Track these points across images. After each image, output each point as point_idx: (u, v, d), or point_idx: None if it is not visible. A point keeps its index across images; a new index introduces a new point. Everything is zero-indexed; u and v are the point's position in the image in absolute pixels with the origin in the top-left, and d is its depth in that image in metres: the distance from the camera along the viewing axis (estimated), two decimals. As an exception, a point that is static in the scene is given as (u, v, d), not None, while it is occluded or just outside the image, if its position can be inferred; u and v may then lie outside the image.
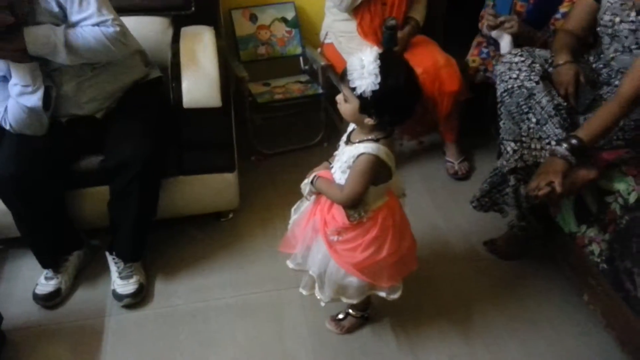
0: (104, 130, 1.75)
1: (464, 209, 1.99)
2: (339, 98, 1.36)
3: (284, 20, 2.46)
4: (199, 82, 1.79)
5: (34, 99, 1.60)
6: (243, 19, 2.42)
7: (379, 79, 1.25)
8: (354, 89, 1.28)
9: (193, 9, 2.11)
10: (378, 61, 1.26)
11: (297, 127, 2.53)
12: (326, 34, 2.38)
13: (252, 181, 2.25)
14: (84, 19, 1.60)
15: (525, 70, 1.66)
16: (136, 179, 1.65)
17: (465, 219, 2.07)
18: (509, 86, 1.67)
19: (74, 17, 1.60)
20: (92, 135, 1.75)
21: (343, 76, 1.32)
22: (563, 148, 1.49)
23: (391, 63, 1.28)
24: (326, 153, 1.52)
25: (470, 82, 2.23)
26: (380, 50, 1.29)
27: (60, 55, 1.57)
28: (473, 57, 2.23)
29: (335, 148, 1.49)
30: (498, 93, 1.72)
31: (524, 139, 1.65)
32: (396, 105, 1.31)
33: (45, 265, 1.76)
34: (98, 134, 1.75)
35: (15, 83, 1.59)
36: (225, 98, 1.85)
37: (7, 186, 1.60)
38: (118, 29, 1.62)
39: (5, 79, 1.63)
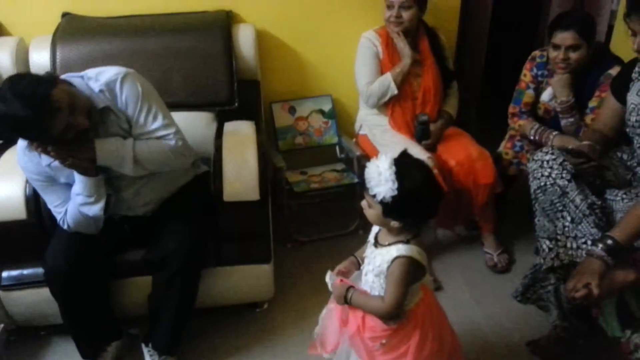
0: (150, 225, 1.83)
1: (505, 304, 1.95)
2: (364, 204, 1.40)
3: (321, 112, 2.58)
4: (240, 177, 1.87)
5: (96, 209, 1.69)
6: (282, 111, 2.56)
7: (396, 185, 1.29)
8: (374, 196, 1.33)
9: (236, 104, 2.26)
10: (393, 167, 1.30)
11: (332, 215, 2.58)
12: (360, 126, 2.47)
13: (288, 269, 2.28)
14: (149, 132, 1.69)
15: (557, 168, 1.67)
16: (178, 272, 1.71)
17: (506, 315, 2.01)
18: (542, 184, 1.68)
19: (139, 130, 1.69)
20: (139, 230, 1.84)
21: (363, 184, 1.37)
22: (599, 248, 1.47)
23: (406, 167, 1.32)
24: (362, 241, 1.54)
25: (503, 173, 2.24)
26: (395, 156, 1.33)
27: (127, 166, 1.66)
28: (506, 149, 2.26)
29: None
30: (531, 190, 1.73)
31: (559, 237, 1.63)
32: (417, 207, 1.34)
33: (84, 355, 1.81)
34: (144, 228, 1.83)
35: (79, 193, 1.67)
36: (263, 189, 1.93)
37: (56, 279, 1.68)
38: (180, 142, 1.72)
39: (69, 184, 1.72)
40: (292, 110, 2.57)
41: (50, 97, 1.46)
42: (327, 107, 2.59)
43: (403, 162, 1.33)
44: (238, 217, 1.90)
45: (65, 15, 2.28)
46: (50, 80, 1.52)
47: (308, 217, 2.55)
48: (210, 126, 2.21)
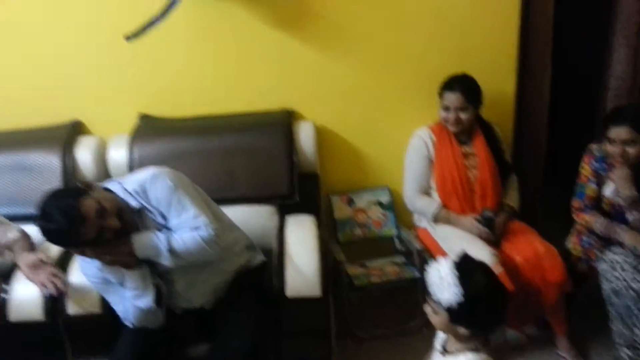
0: (212, 319, 1.86)
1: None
2: (429, 310, 1.37)
3: (379, 203, 2.61)
4: (302, 273, 1.90)
5: (146, 301, 1.75)
6: (341, 203, 2.60)
7: (460, 290, 1.26)
8: (439, 302, 1.31)
9: (297, 197, 2.33)
10: (455, 271, 1.28)
11: (394, 309, 2.51)
12: (419, 218, 2.47)
13: None
14: (181, 223, 1.76)
15: (630, 270, 1.61)
16: None
17: None
18: (615, 287, 1.62)
19: (172, 222, 1.78)
20: (201, 323, 1.87)
21: (426, 289, 1.35)
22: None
23: (469, 271, 1.30)
24: (426, 339, 1.50)
25: (572, 271, 2.16)
26: (456, 260, 1.32)
27: (164, 258, 1.73)
28: (574, 245, 2.18)
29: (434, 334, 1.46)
30: (604, 293, 1.66)
31: (638, 345, 1.54)
32: (485, 312, 1.31)
33: None
34: (206, 322, 1.86)
35: (128, 287, 1.75)
36: (324, 285, 1.93)
37: None
38: (213, 232, 1.77)
39: (121, 284, 1.79)
40: (350, 202, 2.61)
41: (79, 208, 1.59)
42: (385, 198, 2.62)
43: (465, 266, 1.31)
44: (299, 313, 1.91)
45: (141, 116, 2.48)
46: (81, 191, 1.66)
47: (368, 311, 2.51)
48: (272, 219, 2.27)
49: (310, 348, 1.93)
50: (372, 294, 2.41)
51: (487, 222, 2.17)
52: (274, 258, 2.11)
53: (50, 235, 1.63)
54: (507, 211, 2.31)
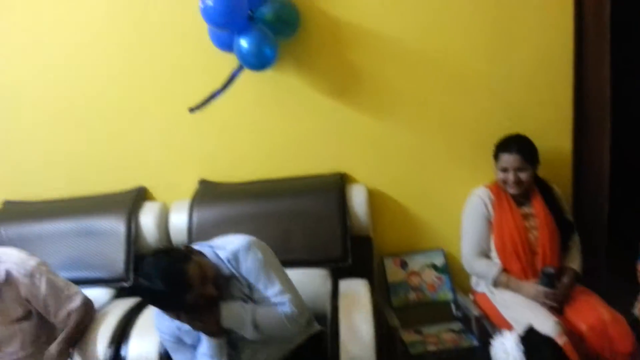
0: None
1: None
2: None
3: (433, 266, 2.57)
4: (356, 341, 1.88)
5: None
6: (394, 266, 2.58)
7: None
8: None
9: (350, 261, 2.33)
10: (521, 346, 1.24)
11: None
12: (477, 282, 2.40)
13: None
14: (267, 297, 1.80)
15: None
16: None
17: None
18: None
19: (258, 295, 1.81)
20: None
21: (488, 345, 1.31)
22: None
23: (534, 346, 1.27)
24: None
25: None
26: (520, 333, 1.28)
27: (247, 330, 1.76)
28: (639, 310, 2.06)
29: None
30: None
31: None
32: None
33: None
34: None
35: (204, 353, 1.77)
36: (379, 352, 1.89)
37: None
38: (296, 310, 1.80)
39: (194, 345, 1.83)
40: (404, 265, 2.58)
41: (185, 273, 1.63)
42: (439, 261, 2.58)
43: (531, 341, 1.28)
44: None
45: (201, 182, 2.60)
46: (185, 255, 1.70)
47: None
48: (325, 283, 2.28)
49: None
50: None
51: (548, 279, 2.09)
52: (327, 323, 2.10)
53: (150, 296, 1.66)
54: (570, 275, 2.22)
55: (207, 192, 2.53)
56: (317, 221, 2.37)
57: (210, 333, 1.75)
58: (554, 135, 2.48)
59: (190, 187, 2.58)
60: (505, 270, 2.23)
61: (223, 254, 1.82)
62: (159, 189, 2.67)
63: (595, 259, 2.49)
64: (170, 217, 2.50)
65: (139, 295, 1.70)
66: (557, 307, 2.11)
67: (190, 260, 1.68)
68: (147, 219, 2.48)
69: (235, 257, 1.81)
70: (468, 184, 2.47)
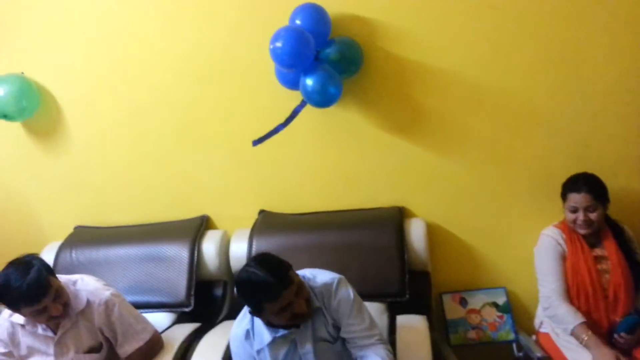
0: None
1: None
2: None
3: (494, 304, 2.50)
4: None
5: None
6: (453, 302, 2.52)
7: None
8: None
9: (407, 296, 2.30)
10: None
11: None
12: (541, 323, 2.30)
13: None
14: (358, 331, 1.81)
15: None
16: None
17: None
18: None
19: (348, 329, 1.82)
20: None
21: None
22: None
23: None
24: None
25: None
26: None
27: None
28: None
29: None
30: None
31: None
32: None
33: None
34: None
35: None
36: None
37: None
38: (388, 344, 1.83)
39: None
40: (463, 302, 2.52)
41: (288, 270, 1.72)
42: (501, 300, 2.50)
43: None
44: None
45: (261, 212, 2.67)
46: (288, 264, 1.77)
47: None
48: (382, 318, 2.25)
49: None
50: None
51: (634, 319, 2.00)
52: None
53: (257, 286, 1.69)
54: None
55: (267, 222, 2.59)
56: (374, 254, 2.36)
57: None
58: (625, 173, 2.39)
59: (251, 217, 2.65)
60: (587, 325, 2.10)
61: (314, 285, 1.85)
62: (222, 218, 2.75)
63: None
64: (231, 245, 2.57)
65: (240, 288, 1.74)
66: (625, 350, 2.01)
67: (291, 267, 1.76)
68: (209, 246, 2.56)
69: (327, 290, 1.84)
70: (531, 222, 2.42)
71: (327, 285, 1.84)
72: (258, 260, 1.76)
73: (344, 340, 1.86)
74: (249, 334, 1.86)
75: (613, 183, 2.25)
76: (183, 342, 2.14)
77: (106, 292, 2.07)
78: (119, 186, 2.82)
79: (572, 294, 2.16)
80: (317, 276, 1.88)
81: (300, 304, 1.73)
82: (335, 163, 2.60)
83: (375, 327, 1.86)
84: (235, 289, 1.78)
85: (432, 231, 2.54)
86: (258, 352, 1.84)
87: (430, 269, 2.50)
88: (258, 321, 1.84)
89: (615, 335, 2.05)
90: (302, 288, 1.75)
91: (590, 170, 2.24)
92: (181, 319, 2.44)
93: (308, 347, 1.82)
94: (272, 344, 1.82)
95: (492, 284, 2.54)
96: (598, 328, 2.10)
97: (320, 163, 2.62)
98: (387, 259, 2.35)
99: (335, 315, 1.83)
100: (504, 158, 2.47)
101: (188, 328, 2.26)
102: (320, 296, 1.83)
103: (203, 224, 2.68)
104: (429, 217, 2.55)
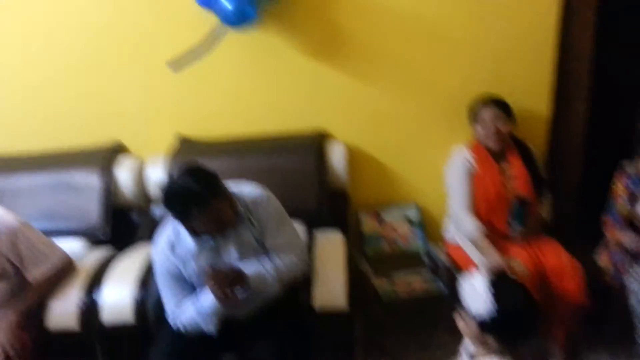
0: (244, 331, 1.91)
1: None
2: (459, 319, 1.40)
3: (408, 219, 2.64)
4: (329, 288, 1.94)
5: (208, 327, 1.84)
6: (370, 219, 2.65)
7: (494, 306, 1.29)
8: (471, 313, 1.33)
9: (326, 214, 2.36)
10: (491, 288, 1.31)
11: (420, 323, 2.52)
12: (449, 234, 2.48)
13: None
14: (281, 244, 1.90)
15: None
16: None
17: None
18: (642, 301, 1.60)
19: (272, 241, 1.90)
20: (234, 335, 1.91)
21: (459, 300, 1.38)
22: None
23: (505, 289, 1.33)
24: (450, 352, 1.53)
25: (597, 284, 2.14)
26: (493, 277, 1.34)
27: (273, 289, 1.86)
28: (604, 259, 2.16)
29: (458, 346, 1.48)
30: (632, 306, 1.65)
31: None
32: (515, 328, 1.33)
33: None
34: (238, 334, 1.91)
35: (209, 312, 1.81)
36: (351, 298, 1.96)
37: None
38: (305, 251, 1.92)
39: (187, 290, 1.88)
40: (379, 218, 2.65)
41: (216, 178, 1.77)
42: (413, 215, 2.65)
43: (501, 283, 1.34)
44: (326, 326, 1.94)
45: (178, 137, 2.60)
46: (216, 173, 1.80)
47: (395, 325, 2.52)
48: (302, 235, 2.32)
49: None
50: (399, 308, 2.43)
51: (520, 206, 2.20)
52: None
53: (183, 196, 1.71)
54: (540, 221, 2.32)
55: (185, 148, 2.53)
56: (296, 177, 2.39)
57: (231, 307, 1.80)
58: (533, 99, 2.52)
59: (167, 142, 2.58)
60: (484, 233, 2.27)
61: (240, 196, 1.89)
62: (136, 144, 2.67)
63: (566, 216, 2.57)
64: (147, 171, 2.51)
65: (169, 196, 1.74)
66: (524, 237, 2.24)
67: (219, 177, 1.79)
68: (124, 173, 2.49)
69: (255, 203, 1.90)
70: (444, 142, 2.54)
71: (255, 199, 1.90)
72: (187, 170, 1.77)
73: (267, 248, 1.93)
74: (172, 245, 1.87)
75: (522, 107, 2.41)
76: (97, 267, 2.11)
77: (11, 220, 2.00)
78: (24, 111, 2.64)
79: (480, 206, 2.32)
80: (243, 189, 1.92)
81: (227, 212, 1.77)
82: (255, 87, 2.55)
83: (298, 244, 1.95)
84: (162, 197, 1.77)
85: (352, 153, 2.60)
86: (183, 262, 1.85)
87: (349, 189, 2.58)
88: (181, 230, 1.85)
89: (510, 231, 2.26)
90: (229, 197, 1.80)
91: (502, 94, 2.36)
92: (98, 246, 2.39)
93: (233, 253, 1.87)
94: (197, 252, 1.85)
95: (406, 200, 2.68)
96: (502, 234, 2.30)
97: (240, 87, 2.56)
98: (308, 180, 2.40)
99: (261, 228, 1.89)
100: (421, 82, 2.53)
101: (102, 253, 2.23)
102: (247, 207, 1.88)
103: (116, 150, 2.59)
104: (348, 140, 2.60)
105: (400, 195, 2.69)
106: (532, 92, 2.51)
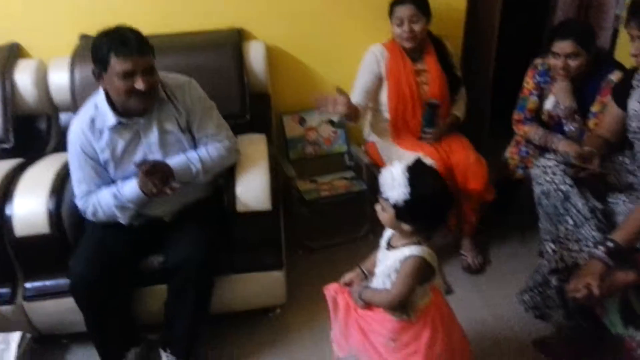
0: (167, 232, 1.92)
1: (513, 305, 1.99)
2: (378, 207, 1.46)
3: (330, 121, 2.65)
4: (252, 189, 1.93)
5: (124, 218, 1.82)
6: (293, 122, 2.63)
7: (409, 189, 1.35)
8: (388, 199, 1.39)
9: (248, 117, 2.34)
10: (407, 173, 1.36)
11: (343, 222, 2.63)
12: (369, 134, 2.53)
13: (300, 275, 2.34)
14: (208, 132, 1.91)
15: (559, 174, 1.71)
16: (191, 280, 1.78)
17: (514, 315, 2.05)
18: (545, 189, 1.73)
19: (200, 129, 1.90)
20: (157, 236, 1.92)
21: (377, 188, 1.43)
22: (600, 251, 1.51)
23: (420, 174, 1.38)
24: (372, 245, 1.62)
25: (507, 178, 2.29)
26: (409, 163, 1.39)
27: (200, 178, 1.88)
28: (512, 154, 2.30)
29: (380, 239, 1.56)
30: (535, 195, 1.77)
31: (562, 240, 1.67)
32: (429, 212, 1.40)
33: (106, 360, 1.89)
34: (162, 235, 1.91)
35: (130, 200, 1.80)
36: (275, 199, 1.98)
37: (81, 288, 1.76)
38: (233, 139, 1.95)
39: (102, 178, 1.85)
40: (302, 121, 2.64)
41: (142, 36, 1.76)
42: (335, 116, 2.65)
43: (416, 169, 1.39)
44: (250, 226, 1.97)
45: (83, 37, 2.39)
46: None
47: (319, 224, 2.61)
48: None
49: (262, 258, 2.01)
50: (322, 208, 2.50)
51: (431, 110, 2.27)
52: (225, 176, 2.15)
53: (115, 34, 1.72)
54: (452, 119, 2.41)
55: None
56: (214, 77, 2.28)
57: (154, 194, 1.76)
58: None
59: (69, 43, 2.36)
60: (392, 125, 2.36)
61: (165, 81, 1.86)
62: (35, 46, 2.43)
63: (479, 113, 2.68)
64: (50, 75, 2.31)
65: (100, 36, 1.73)
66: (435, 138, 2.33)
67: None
68: (24, 77, 2.28)
69: (181, 88, 1.88)
70: (366, 41, 2.47)
71: (180, 83, 1.89)
72: (129, 27, 1.76)
73: (193, 136, 1.92)
74: (93, 123, 1.81)
75: (440, 1, 2.38)
76: (5, 178, 1.98)
77: None
78: None
79: (394, 105, 2.35)
80: (169, 75, 1.91)
81: (145, 80, 1.71)
82: None
83: (226, 129, 1.98)
84: (93, 39, 1.74)
85: (272, 53, 2.52)
86: (100, 142, 1.81)
87: (271, 91, 2.52)
88: (102, 105, 1.80)
89: (422, 133, 2.34)
90: (154, 71, 1.76)
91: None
92: (4, 157, 2.23)
93: (153, 137, 1.84)
94: (115, 130, 1.81)
95: (329, 102, 2.66)
96: (416, 133, 2.37)
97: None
98: (227, 81, 2.31)
99: (188, 113, 1.89)
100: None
101: (9, 164, 2.08)
102: (172, 91, 1.85)
103: (12, 53, 2.34)
104: (269, 40, 2.50)
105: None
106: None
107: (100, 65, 1.72)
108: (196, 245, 1.82)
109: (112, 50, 1.68)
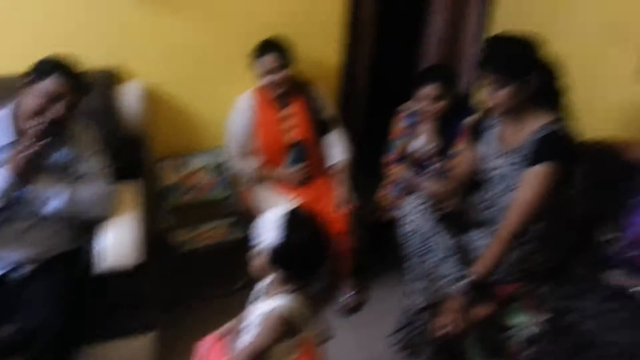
0: (21, 293, 1.72)
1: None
2: (252, 254, 1.42)
3: (210, 166, 2.59)
4: (117, 244, 1.80)
5: None
6: (169, 169, 2.53)
7: (282, 234, 1.33)
8: (261, 244, 1.36)
9: (119, 163, 2.20)
10: (282, 217, 1.34)
11: (222, 271, 2.52)
12: (245, 180, 2.50)
13: (178, 334, 2.13)
14: (93, 172, 1.86)
15: (423, 213, 1.80)
16: (47, 350, 1.60)
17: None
18: (410, 228, 1.81)
19: (83, 167, 1.85)
20: (6, 299, 1.71)
21: (252, 232, 1.40)
22: (460, 286, 1.59)
23: (296, 219, 1.37)
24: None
25: (379, 221, 2.38)
26: (287, 208, 1.38)
27: (63, 194, 1.76)
28: (383, 197, 2.41)
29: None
30: (401, 235, 1.84)
31: (430, 277, 1.74)
32: (301, 259, 1.38)
33: None
34: (13, 298, 1.71)
35: None
36: (145, 254, 1.86)
37: None
38: (114, 187, 1.90)
39: None
40: (180, 167, 2.55)
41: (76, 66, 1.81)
42: (216, 161, 2.60)
43: (294, 214, 1.37)
44: (116, 284, 1.83)
45: None
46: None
47: (197, 274, 2.50)
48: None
49: (130, 321, 1.88)
50: (200, 258, 2.41)
51: (297, 153, 2.35)
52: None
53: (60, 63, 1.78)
54: (343, 166, 2.46)
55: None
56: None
57: (21, 169, 1.67)
58: (326, 41, 2.63)
59: None
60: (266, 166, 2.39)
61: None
62: None
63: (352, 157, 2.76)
64: None
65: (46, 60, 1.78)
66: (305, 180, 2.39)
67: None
68: None
69: (85, 126, 1.90)
70: (246, 83, 2.47)
71: (86, 123, 1.92)
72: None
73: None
74: None
75: (315, 47, 2.50)
76: None
77: None
78: None
79: (264, 150, 2.40)
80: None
81: (65, 111, 1.74)
82: (35, 19, 2.20)
83: (110, 175, 1.95)
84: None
85: (153, 95, 2.44)
86: None
87: (147, 135, 2.41)
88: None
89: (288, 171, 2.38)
90: (77, 103, 1.79)
91: (295, 35, 2.41)
92: None
93: None
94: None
95: (208, 146, 2.61)
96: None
97: (13, 18, 2.18)
98: (96, 124, 2.17)
99: (78, 153, 1.85)
100: (218, 15, 2.44)
101: None
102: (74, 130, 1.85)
103: None
104: (147, 79, 2.41)
105: (205, 141, 2.62)
106: (325, 32, 2.62)
107: (37, 77, 1.75)
108: (52, 305, 1.65)
109: (56, 71, 1.74)
